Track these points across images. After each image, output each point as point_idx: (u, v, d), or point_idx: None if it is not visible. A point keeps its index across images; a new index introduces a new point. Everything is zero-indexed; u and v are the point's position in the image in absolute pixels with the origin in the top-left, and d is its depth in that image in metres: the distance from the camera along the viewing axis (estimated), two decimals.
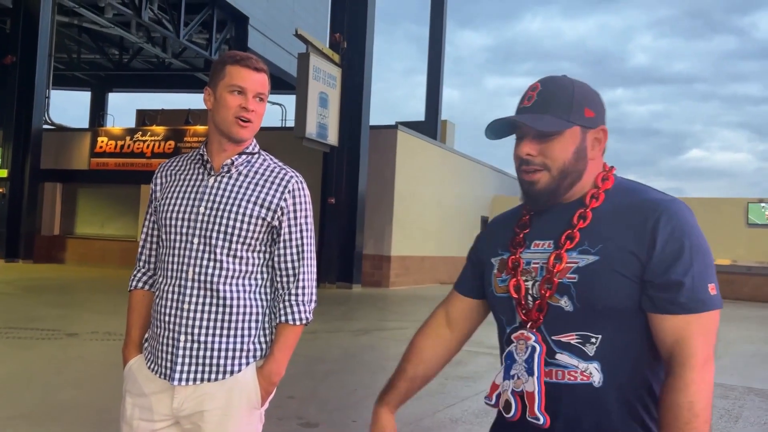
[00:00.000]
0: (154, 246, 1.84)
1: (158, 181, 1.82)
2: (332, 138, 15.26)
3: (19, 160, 18.20)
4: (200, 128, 19.61)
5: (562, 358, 1.23)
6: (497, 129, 1.33)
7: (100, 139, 20.56)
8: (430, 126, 22.34)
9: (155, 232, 1.83)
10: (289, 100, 17.84)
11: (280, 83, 22.12)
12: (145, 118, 20.70)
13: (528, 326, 1.27)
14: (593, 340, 1.22)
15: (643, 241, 1.20)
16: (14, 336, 6.97)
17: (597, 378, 1.21)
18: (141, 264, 1.86)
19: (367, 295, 14.40)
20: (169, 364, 1.68)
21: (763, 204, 20.19)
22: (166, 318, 1.69)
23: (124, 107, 70.76)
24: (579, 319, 1.22)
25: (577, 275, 1.22)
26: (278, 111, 24.52)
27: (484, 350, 7.56)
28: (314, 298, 1.78)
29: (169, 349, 1.68)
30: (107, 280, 15.33)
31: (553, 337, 1.24)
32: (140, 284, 1.84)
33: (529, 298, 1.28)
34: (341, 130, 15.50)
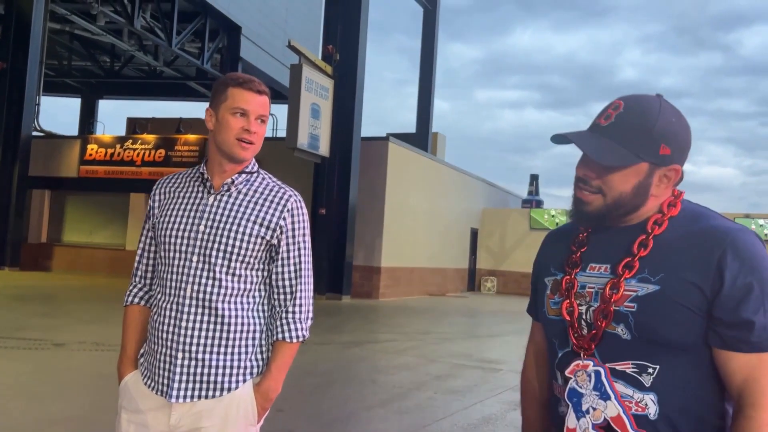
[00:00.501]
0: (151, 262, 1.85)
1: (156, 197, 1.83)
2: (324, 149, 15.30)
3: (8, 166, 18.07)
4: (191, 137, 19.59)
5: (617, 386, 1.19)
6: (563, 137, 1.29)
7: (89, 146, 20.47)
8: (421, 138, 22.44)
9: (152, 248, 1.84)
10: (281, 110, 17.87)
11: (272, 93, 22.05)
12: (135, 126, 20.67)
13: (582, 355, 1.23)
14: (650, 370, 1.18)
15: (708, 274, 1.15)
16: (1, 345, 6.90)
17: (653, 410, 1.17)
18: (137, 279, 1.87)
19: (356, 307, 14.38)
20: (166, 381, 1.68)
21: (752, 221, 20.41)
22: (164, 335, 1.70)
23: (114, 115, 70.46)
24: (636, 348, 1.18)
25: (636, 304, 1.18)
26: (270, 121, 24.57)
27: (473, 363, 7.58)
28: (311, 315, 1.79)
29: (167, 366, 1.69)
30: (95, 288, 15.21)
31: (607, 365, 1.20)
32: (136, 299, 1.85)
33: (582, 323, 1.24)
34: (333, 141, 15.54)
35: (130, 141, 20.01)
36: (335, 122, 15.57)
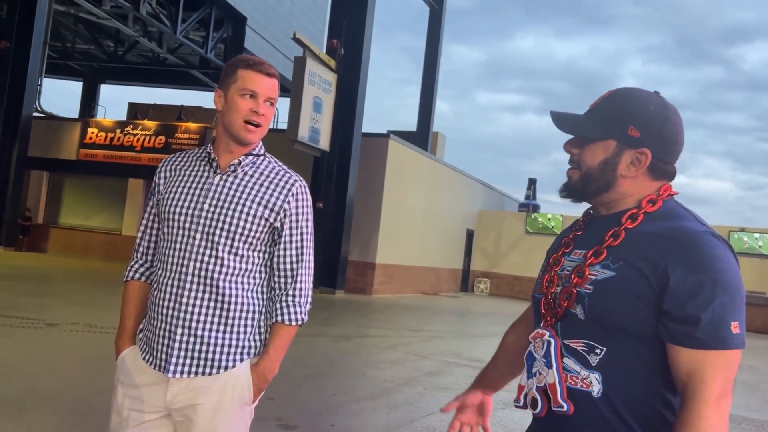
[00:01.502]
0: (153, 238, 1.87)
1: (162, 174, 1.85)
2: (324, 143, 15.32)
3: (7, 147, 18.03)
4: (192, 125, 19.58)
5: (568, 362, 1.27)
6: (561, 123, 1.38)
7: (90, 130, 20.45)
8: (422, 137, 22.47)
9: (155, 225, 1.86)
10: (283, 103, 17.87)
11: None
12: (137, 111, 20.64)
13: (542, 325, 1.33)
14: (598, 351, 1.25)
15: (658, 268, 1.20)
16: None
17: (596, 388, 1.24)
18: (138, 255, 1.89)
19: (349, 301, 14.42)
20: (164, 356, 1.71)
21: (744, 234, 20.49)
22: (164, 311, 1.72)
23: (115, 100, 70.32)
24: (589, 328, 1.25)
25: (593, 287, 1.25)
26: None
27: (463, 362, 7.62)
28: (310, 300, 1.82)
29: (166, 342, 1.71)
30: (89, 271, 15.21)
31: (564, 341, 1.28)
32: (137, 275, 1.87)
33: (554, 300, 1.32)
34: (333, 135, 15.56)
35: (131, 126, 19.99)
36: (336, 117, 15.59)
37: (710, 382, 1.17)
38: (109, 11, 19.19)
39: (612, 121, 1.29)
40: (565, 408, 1.25)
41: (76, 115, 25.58)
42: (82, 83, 27.85)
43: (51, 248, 20.35)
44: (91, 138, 20.30)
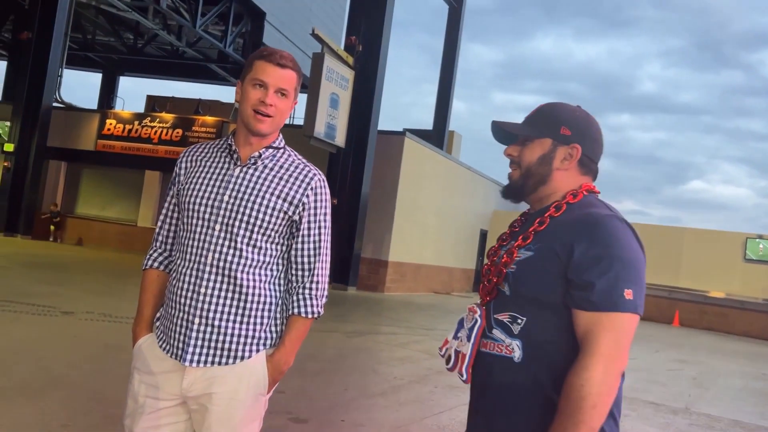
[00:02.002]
0: (173, 228, 1.88)
1: (183, 164, 1.85)
2: (340, 139, 15.33)
3: (27, 136, 18.25)
4: (209, 119, 19.68)
5: (496, 333, 1.45)
6: (500, 135, 1.60)
7: (108, 121, 20.62)
8: (438, 136, 22.41)
9: (175, 214, 1.87)
10: (300, 98, 17.91)
11: None
12: (155, 104, 20.78)
13: (478, 303, 1.52)
14: (519, 321, 1.42)
15: (566, 246, 1.37)
16: (10, 309, 7.00)
17: (517, 354, 1.41)
18: (157, 244, 1.90)
19: (362, 298, 14.43)
20: (181, 345, 1.72)
21: (760, 241, 20.25)
22: (182, 300, 1.73)
23: (134, 92, 70.87)
24: (512, 302, 1.44)
25: (516, 266, 1.44)
26: None
27: None
28: (326, 293, 1.82)
29: (183, 331, 1.72)
30: (104, 261, 15.36)
31: (494, 315, 1.46)
32: (155, 264, 1.88)
33: (487, 282, 1.51)
34: (349, 132, 15.57)
35: (149, 119, 20.13)
36: (353, 113, 15.59)
37: (600, 340, 1.31)
38: (130, 4, 19.33)
39: (546, 124, 1.51)
40: (464, 377, 1.48)
41: (95, 106, 25.81)
42: (101, 75, 28.10)
43: (67, 238, 20.57)
44: (109, 129, 20.47)
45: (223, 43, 20.62)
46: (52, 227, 19.96)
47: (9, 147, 18.32)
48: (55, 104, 19.24)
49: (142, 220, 20.10)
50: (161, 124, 19.90)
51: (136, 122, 20.24)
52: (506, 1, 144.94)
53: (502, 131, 1.57)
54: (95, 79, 28.67)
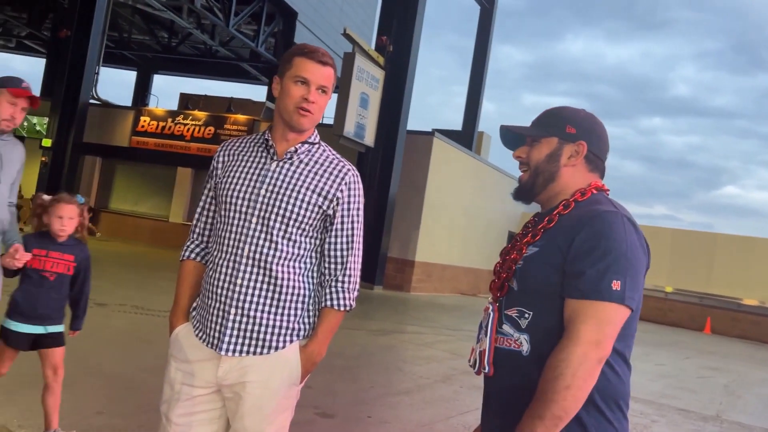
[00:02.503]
0: (210, 220, 1.93)
1: (220, 158, 1.90)
2: (369, 139, 15.39)
3: (64, 132, 18.68)
4: (241, 117, 19.90)
5: (506, 328, 1.49)
6: (509, 139, 1.66)
7: (142, 118, 20.99)
8: (467, 136, 22.34)
9: (212, 207, 1.92)
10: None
11: None
12: (188, 101, 21.08)
13: (490, 300, 1.58)
14: (526, 315, 1.46)
15: (568, 239, 1.41)
16: None
17: (525, 348, 1.44)
18: (195, 236, 1.95)
19: (387, 297, 14.47)
20: (217, 335, 1.76)
21: None
22: (219, 290, 1.78)
23: (167, 90, 71.93)
24: (520, 296, 1.48)
25: (522, 262, 1.48)
26: None
27: None
28: (357, 286, 1.86)
29: (219, 320, 1.77)
30: (137, 256, 15.65)
31: (505, 311, 1.51)
32: (192, 255, 1.93)
33: (498, 279, 1.56)
34: (378, 131, 15.62)
35: (182, 116, 20.44)
36: (382, 113, 15.63)
37: (582, 326, 1.34)
38: (165, 3, 19.67)
39: (552, 123, 1.57)
40: (487, 369, 1.50)
41: (129, 103, 26.31)
42: (136, 72, 28.62)
43: (101, 232, 20.99)
44: (143, 126, 20.83)
45: (255, 43, 20.86)
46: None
47: (47, 142, 18.78)
48: (91, 101, 19.66)
49: (173, 216, 20.42)
50: (194, 122, 20.19)
51: (170, 119, 20.57)
52: (536, 1, 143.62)
53: (511, 135, 1.64)
54: (130, 76, 29.25)
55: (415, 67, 16.44)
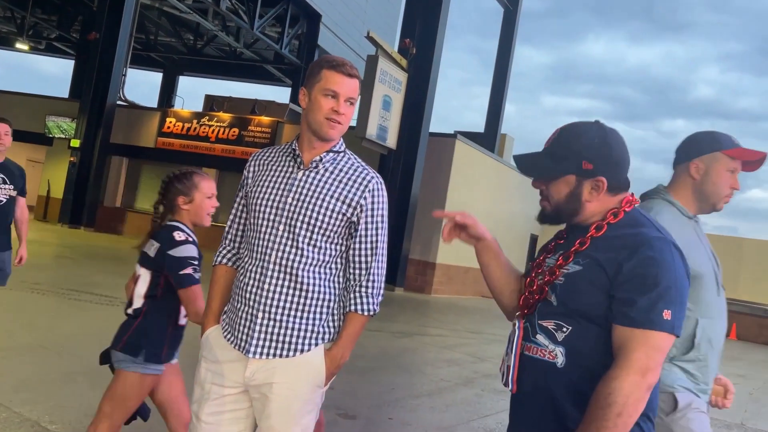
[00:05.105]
0: (241, 227, 1.99)
1: (251, 168, 1.97)
2: (391, 141, 15.43)
3: (92, 133, 19.04)
4: (264, 119, 20.07)
5: (540, 338, 1.50)
6: (524, 167, 1.64)
7: (168, 119, 21.27)
8: (489, 138, 22.27)
9: (243, 215, 1.99)
10: None
11: None
12: (213, 103, 21.30)
13: (517, 314, 1.58)
14: (564, 329, 1.47)
15: (615, 262, 1.42)
16: (75, 298, 7.36)
17: (560, 360, 1.46)
18: (227, 242, 2.02)
19: (409, 299, 14.49)
20: (245, 338, 1.82)
21: None
22: (248, 295, 1.84)
23: (193, 91, 72.88)
24: (559, 311, 1.48)
25: (564, 279, 1.49)
26: None
27: None
28: (382, 291, 1.90)
29: (247, 324, 1.83)
30: None
31: (539, 321, 1.51)
32: (224, 260, 2.00)
33: (529, 295, 1.56)
34: (401, 134, 15.65)
35: (207, 117, 20.67)
36: (405, 115, 15.67)
37: (632, 354, 1.36)
38: (191, 5, 19.94)
39: (567, 159, 1.54)
40: (509, 387, 1.54)
41: (155, 104, 26.69)
42: (162, 74, 29.02)
43: (127, 231, 21.33)
44: (168, 127, 21.11)
45: (279, 45, 21.04)
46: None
47: (75, 143, 19.16)
48: (118, 102, 20.00)
49: None
50: (218, 123, 20.42)
51: (195, 121, 20.82)
52: (557, 3, 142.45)
53: (524, 163, 1.63)
54: (156, 78, 29.66)
55: (438, 70, 16.44)
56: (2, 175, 4.17)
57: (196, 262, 2.29)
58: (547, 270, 1.53)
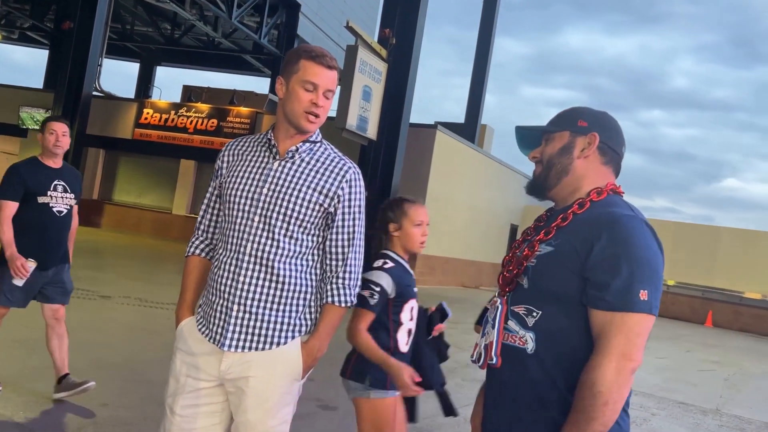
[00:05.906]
0: (214, 218, 1.96)
1: (225, 158, 1.93)
2: (371, 132, 15.38)
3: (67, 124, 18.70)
4: (243, 110, 19.90)
5: (511, 324, 1.50)
6: (523, 141, 1.68)
7: (145, 110, 20.99)
8: (469, 129, 22.31)
9: (217, 206, 1.95)
10: None
11: None
12: (191, 94, 21.06)
13: (498, 294, 1.58)
14: (534, 314, 1.45)
15: (586, 244, 1.40)
16: None
17: (530, 346, 1.45)
18: (199, 233, 1.98)
19: None
20: (220, 330, 1.80)
21: None
22: (222, 288, 1.81)
23: (170, 82, 71.99)
24: (529, 295, 1.47)
25: (536, 260, 1.47)
26: None
27: None
28: (359, 283, 1.89)
29: (222, 317, 1.80)
30: (140, 248, 15.71)
31: (512, 307, 1.51)
32: (197, 251, 1.96)
33: (507, 274, 1.55)
34: (381, 124, 15.61)
35: (185, 108, 20.43)
36: (385, 106, 15.62)
37: (613, 339, 1.34)
38: None
39: (564, 119, 1.59)
40: (494, 361, 1.50)
41: (132, 95, 26.31)
42: (139, 64, 28.59)
43: (104, 224, 21.07)
44: (146, 118, 20.84)
45: (258, 35, 20.82)
46: None
47: None
48: (94, 93, 19.66)
49: (176, 208, 20.47)
50: (197, 114, 20.20)
51: (173, 112, 20.57)
52: None
53: (524, 137, 1.66)
54: (133, 68, 29.21)
55: (418, 61, 16.40)
56: (63, 183, 3.77)
57: (378, 289, 2.25)
58: (527, 246, 1.53)
